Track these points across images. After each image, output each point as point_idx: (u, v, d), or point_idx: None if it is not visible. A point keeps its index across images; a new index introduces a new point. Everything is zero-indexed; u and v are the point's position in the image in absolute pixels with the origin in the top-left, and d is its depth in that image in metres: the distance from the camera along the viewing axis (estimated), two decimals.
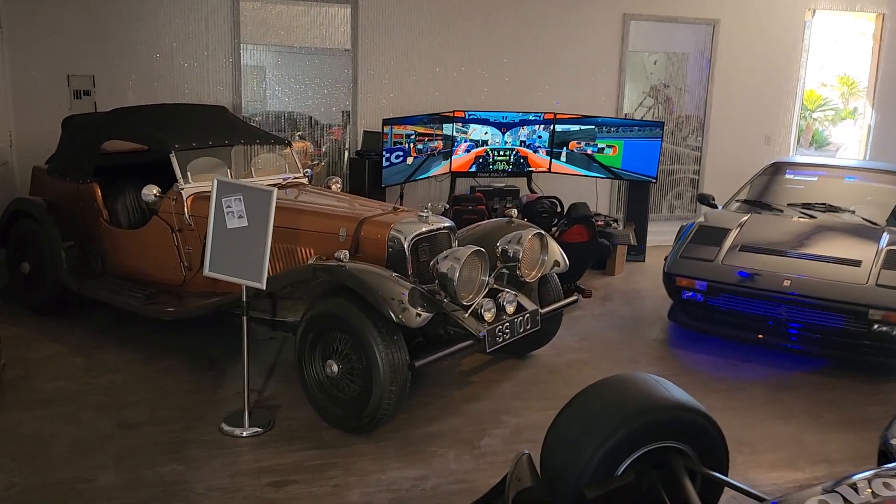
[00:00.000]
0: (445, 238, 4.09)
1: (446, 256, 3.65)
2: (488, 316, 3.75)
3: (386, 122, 6.23)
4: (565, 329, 5.05)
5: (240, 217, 3.44)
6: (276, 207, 3.42)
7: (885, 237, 4.90)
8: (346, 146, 7.06)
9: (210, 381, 4.10)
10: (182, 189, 4.36)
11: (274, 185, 4.19)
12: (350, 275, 3.47)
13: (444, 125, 6.78)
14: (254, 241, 3.40)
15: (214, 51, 6.53)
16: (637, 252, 7.14)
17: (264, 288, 3.44)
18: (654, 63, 7.88)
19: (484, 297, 3.78)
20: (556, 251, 4.43)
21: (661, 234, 7.67)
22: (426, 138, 6.61)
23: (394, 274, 3.66)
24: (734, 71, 7.99)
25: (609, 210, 7.84)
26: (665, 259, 5.16)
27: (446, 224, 4.11)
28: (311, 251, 4.02)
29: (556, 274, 4.49)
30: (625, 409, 2.35)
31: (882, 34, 8.46)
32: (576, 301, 4.47)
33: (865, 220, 5.35)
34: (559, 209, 6.38)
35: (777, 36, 8.08)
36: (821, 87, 15.93)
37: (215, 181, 3.49)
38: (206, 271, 3.54)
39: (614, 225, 6.83)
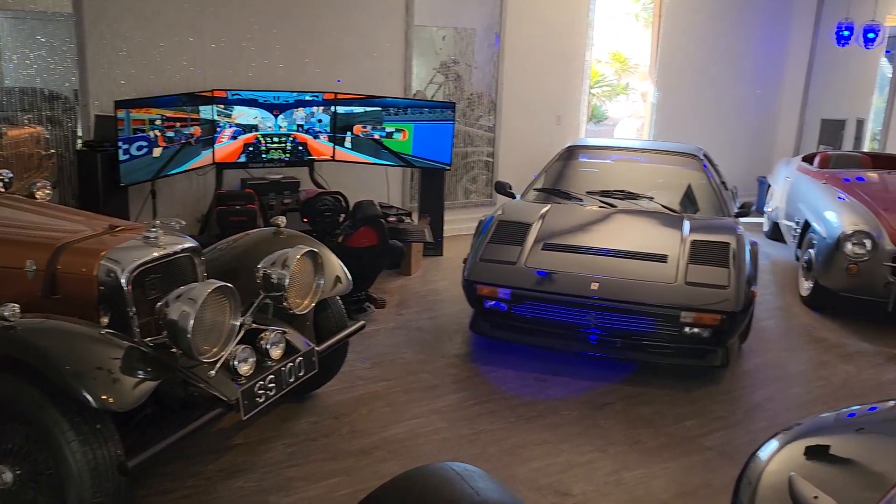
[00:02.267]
0: (186, 265, 3.08)
1: (178, 297, 2.68)
2: (244, 369, 2.85)
3: (120, 104, 4.99)
4: (355, 351, 4.28)
5: None
6: None
7: (686, 225, 4.64)
8: (80, 135, 5.67)
9: None
10: None
11: None
12: (20, 339, 2.39)
13: (202, 108, 5.65)
14: None
15: None
16: (434, 246, 6.52)
17: None
18: (443, 38, 7.25)
19: (237, 343, 2.86)
20: (335, 269, 3.60)
21: (458, 223, 7.14)
22: (179, 124, 5.45)
23: (104, 328, 2.63)
24: (523, 47, 7.58)
25: (402, 201, 7.14)
26: (464, 261, 4.54)
27: (186, 245, 3.09)
28: None
29: (341, 293, 3.67)
30: None
31: (660, 13, 8.50)
32: (362, 328, 3.68)
33: (664, 206, 5.10)
34: (345, 205, 5.54)
35: (563, 12, 7.78)
36: (597, 63, 16.47)
37: None
38: None
39: (407, 220, 6.13)
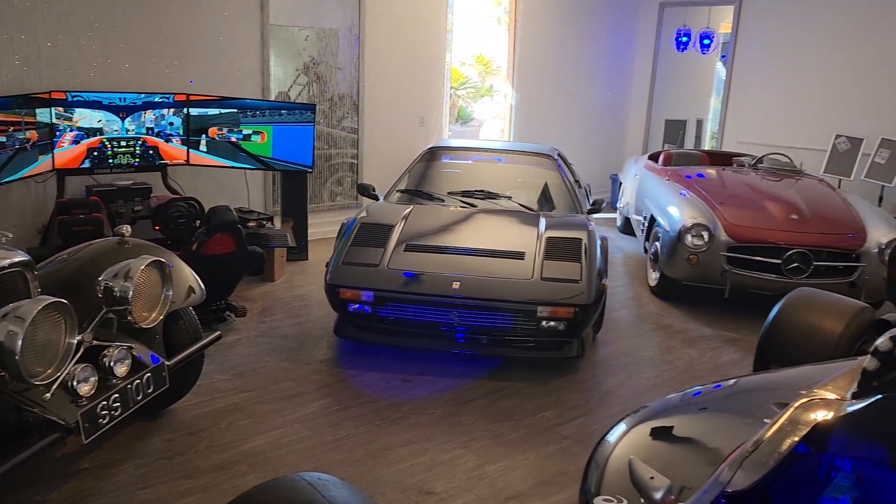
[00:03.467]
0: (16, 281, 2.85)
1: (5, 315, 2.47)
2: (85, 389, 2.67)
3: None
4: (213, 364, 4.13)
5: None
6: None
7: (542, 222, 4.82)
8: None
9: None
10: None
11: None
12: None
13: (39, 110, 5.25)
14: None
15: None
16: (298, 250, 6.40)
17: None
18: (306, 39, 7.13)
19: (77, 362, 2.68)
20: (186, 278, 3.45)
21: (324, 226, 7.07)
22: (12, 128, 5.04)
23: None
24: (384, 49, 7.60)
25: (264, 205, 6.96)
26: (327, 265, 4.48)
27: (15, 260, 2.86)
28: None
29: (194, 303, 3.53)
30: None
31: (516, 15, 8.77)
32: (217, 339, 3.55)
33: (522, 205, 5.28)
34: (200, 212, 5.32)
35: (422, 13, 7.87)
36: (461, 65, 16.79)
37: None
38: None
39: (269, 224, 5.98)
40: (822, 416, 2.03)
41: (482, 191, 5.40)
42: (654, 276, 6.06)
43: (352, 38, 7.38)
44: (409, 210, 5.00)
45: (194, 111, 5.98)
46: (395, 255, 4.40)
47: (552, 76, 9.27)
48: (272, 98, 6.86)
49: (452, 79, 15.78)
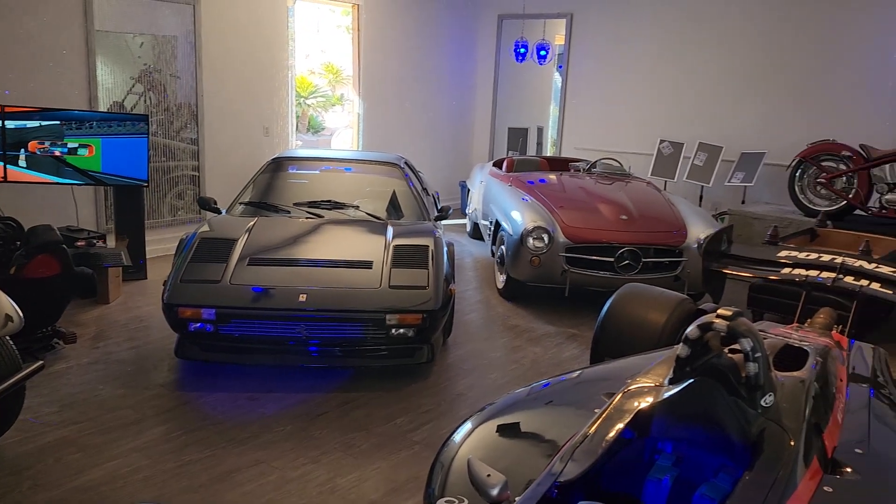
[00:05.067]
0: None
1: None
2: None
3: None
4: (39, 396, 3.83)
5: None
6: None
7: (390, 231, 4.84)
8: None
9: None
10: None
11: None
12: None
13: None
14: None
15: None
16: (136, 269, 6.05)
17: None
18: (141, 46, 6.76)
19: None
20: (1, 306, 3.16)
21: (165, 242, 6.75)
22: None
23: None
24: (223, 57, 7.37)
25: (97, 223, 6.52)
26: (164, 284, 4.27)
27: None
28: None
29: (12, 332, 3.23)
30: None
31: (359, 25, 8.78)
32: (40, 369, 3.28)
33: (370, 214, 5.28)
34: (19, 232, 4.89)
35: (262, 22, 7.70)
36: (311, 74, 16.60)
37: None
38: None
39: (100, 243, 5.60)
40: (643, 402, 2.18)
41: (329, 201, 5.36)
42: (501, 279, 6.27)
43: (188, 46, 7.09)
44: (252, 223, 4.87)
45: (10, 124, 5.50)
46: (237, 270, 4.26)
47: (398, 85, 9.37)
48: (104, 109, 6.45)
49: (302, 88, 15.62)
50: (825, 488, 1.95)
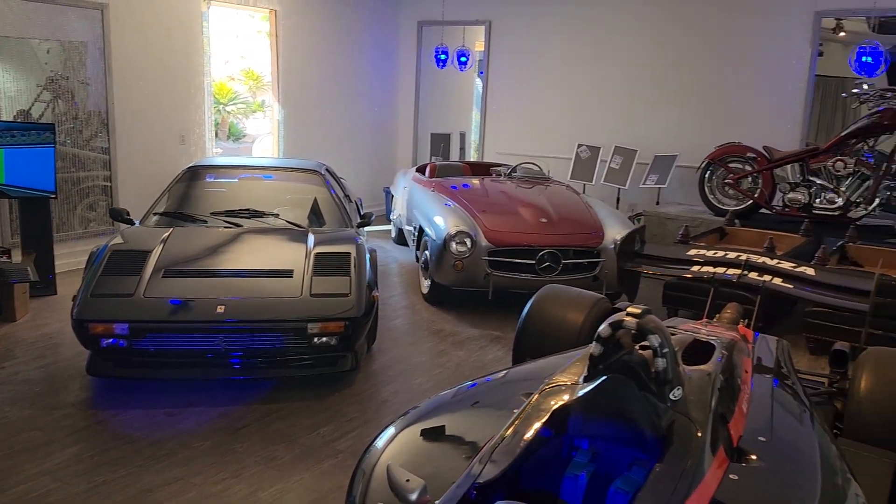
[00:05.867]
0: None
1: None
2: None
3: None
4: None
5: None
6: None
7: (311, 239, 4.79)
8: None
9: None
10: None
11: None
12: None
13: None
14: None
15: None
16: (44, 285, 5.79)
17: None
18: (48, 52, 6.47)
19: None
20: None
21: (76, 256, 6.48)
22: None
23: None
24: (135, 63, 7.14)
25: (1, 238, 6.20)
26: (74, 299, 4.10)
27: None
28: None
29: None
30: None
31: (277, 31, 8.67)
32: None
33: (290, 223, 5.21)
34: None
35: (175, 27, 7.50)
36: (230, 80, 16.26)
37: None
38: None
39: (4, 258, 5.34)
40: (559, 401, 2.22)
41: (248, 210, 5.26)
42: (425, 284, 6.29)
43: (97, 52, 6.84)
44: (167, 234, 4.73)
45: None
46: (151, 283, 4.14)
47: (318, 91, 9.29)
48: (8, 118, 6.14)
49: (221, 94, 15.28)
50: (731, 476, 2.04)
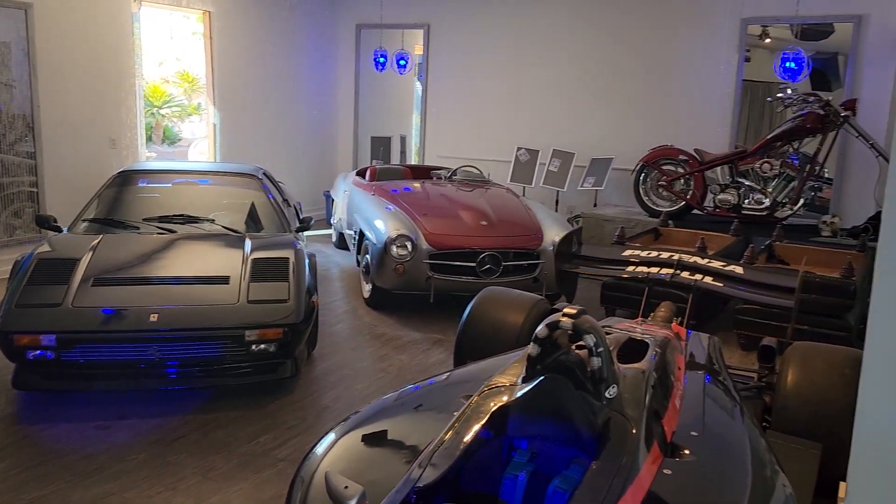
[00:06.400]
0: None
1: None
2: None
3: None
4: None
5: None
6: None
7: (248, 244, 4.71)
8: None
9: None
10: None
11: None
12: None
13: None
14: None
15: None
16: None
17: None
18: None
19: None
20: None
21: (0, 265, 6.20)
22: None
23: None
24: (62, 65, 6.90)
25: None
26: None
27: None
28: None
29: None
30: None
31: (211, 32, 8.50)
32: None
33: (226, 228, 5.11)
34: None
35: (104, 28, 7.28)
36: (164, 83, 15.86)
37: None
38: None
39: None
40: (498, 402, 2.24)
41: (182, 215, 5.13)
42: (367, 288, 6.25)
43: (21, 53, 6.58)
44: (97, 241, 4.58)
45: None
46: (80, 292, 3.99)
47: (255, 94, 9.15)
48: None
49: (155, 97, 14.88)
50: (665, 471, 2.09)
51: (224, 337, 3.99)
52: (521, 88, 9.17)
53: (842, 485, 2.65)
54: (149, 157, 8.40)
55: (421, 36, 9.89)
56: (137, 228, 4.97)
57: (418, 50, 10.35)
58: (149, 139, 8.06)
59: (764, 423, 3.38)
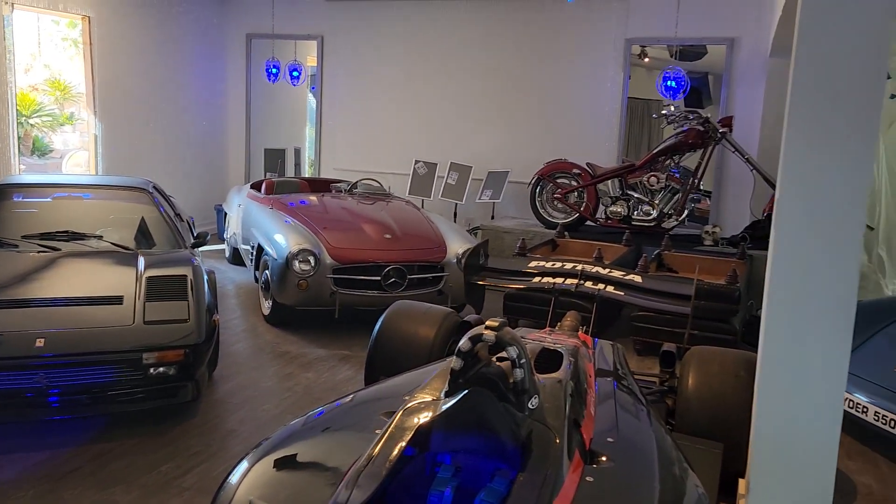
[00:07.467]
0: None
1: None
2: None
3: None
4: None
5: None
6: None
7: (141, 261, 4.47)
8: None
9: None
10: None
11: None
12: None
13: None
14: None
15: None
16: None
17: None
18: None
19: None
20: None
21: None
22: None
23: None
24: None
25: None
26: None
27: None
28: None
29: None
30: None
31: (91, 38, 8.05)
32: None
33: (116, 244, 4.83)
34: None
35: None
36: (33, 91, 14.85)
37: None
38: None
39: None
40: (422, 418, 2.23)
41: (66, 231, 4.81)
42: (267, 305, 6.08)
43: None
44: None
45: None
46: None
47: (140, 104, 8.73)
48: None
49: (24, 106, 13.88)
50: (587, 478, 2.14)
51: (119, 361, 3.76)
52: (417, 101, 9.22)
53: (741, 481, 2.82)
54: (20, 171, 7.82)
55: (314, 47, 9.77)
56: (16, 246, 4.62)
57: (311, 61, 10.21)
58: (17, 151, 7.47)
59: (668, 426, 3.54)
